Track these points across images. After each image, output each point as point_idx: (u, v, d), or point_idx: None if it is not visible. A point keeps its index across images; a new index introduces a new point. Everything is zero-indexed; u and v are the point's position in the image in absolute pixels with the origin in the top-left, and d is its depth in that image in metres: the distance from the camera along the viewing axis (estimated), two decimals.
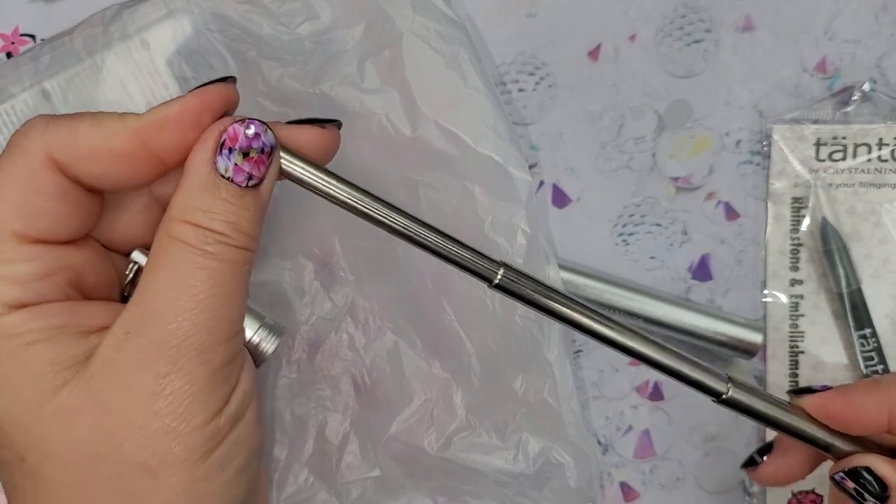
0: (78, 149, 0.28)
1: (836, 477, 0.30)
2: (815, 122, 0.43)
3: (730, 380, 0.31)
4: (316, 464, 0.42)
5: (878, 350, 0.42)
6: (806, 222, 0.43)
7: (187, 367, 0.27)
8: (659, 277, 0.44)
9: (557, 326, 0.41)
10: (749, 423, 0.44)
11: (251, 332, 0.32)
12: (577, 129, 0.44)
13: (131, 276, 0.31)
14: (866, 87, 0.42)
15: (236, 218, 0.28)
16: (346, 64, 0.40)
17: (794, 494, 0.43)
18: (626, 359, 0.44)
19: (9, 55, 0.42)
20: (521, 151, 0.41)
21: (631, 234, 0.44)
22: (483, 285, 0.31)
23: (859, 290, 0.42)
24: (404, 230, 0.30)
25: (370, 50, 0.40)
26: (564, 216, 0.44)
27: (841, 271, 0.42)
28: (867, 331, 0.42)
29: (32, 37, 0.43)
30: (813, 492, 0.43)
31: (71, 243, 0.29)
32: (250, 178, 0.28)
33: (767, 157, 0.43)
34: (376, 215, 0.30)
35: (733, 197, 0.44)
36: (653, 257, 0.44)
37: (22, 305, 0.28)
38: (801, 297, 0.43)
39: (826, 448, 0.31)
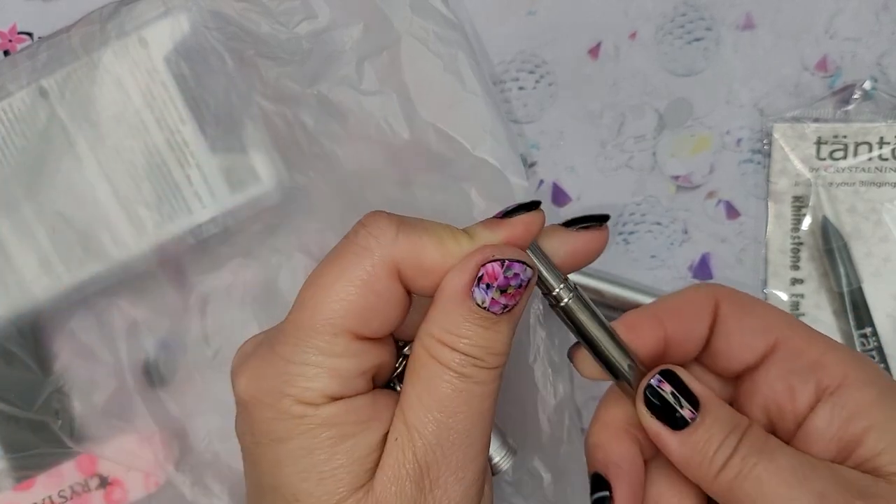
0: (422, 265, 0.28)
1: (653, 382, 0.30)
2: (816, 120, 0.43)
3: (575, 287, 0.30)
4: None
5: (879, 349, 0.42)
6: (807, 221, 0.43)
7: (446, 485, 0.28)
8: (659, 276, 0.44)
9: (542, 333, 0.41)
10: None
11: (492, 448, 0.33)
12: (577, 127, 0.44)
13: (401, 368, 0.31)
14: (867, 85, 0.42)
15: (490, 343, 0.28)
16: (345, 64, 0.40)
17: None
18: None
19: (6, 53, 0.42)
20: (518, 155, 0.41)
21: (631, 232, 0.44)
22: None
23: (860, 288, 0.42)
24: None
25: (368, 51, 0.40)
26: (564, 215, 0.44)
27: (842, 270, 0.42)
28: (868, 329, 0.42)
29: (30, 35, 0.42)
30: None
31: (384, 339, 0.30)
32: (506, 307, 0.28)
33: (768, 155, 0.43)
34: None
35: (734, 196, 0.44)
36: (653, 256, 0.44)
37: (339, 398, 0.28)
38: (802, 295, 0.43)
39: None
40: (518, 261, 0.28)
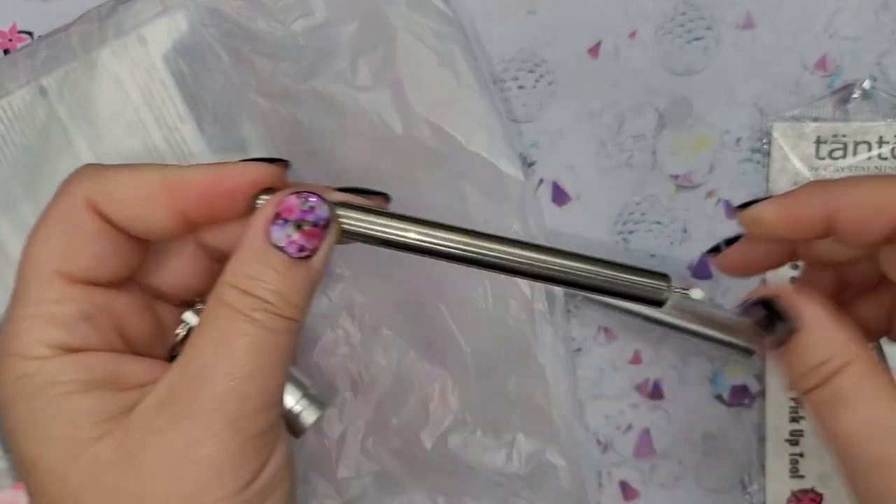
0: (112, 193, 0.28)
1: (749, 303, 0.29)
2: (816, 119, 0.43)
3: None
4: (315, 459, 0.42)
5: (879, 348, 0.42)
6: None
7: (220, 434, 0.27)
8: None
9: (550, 329, 0.41)
10: (750, 421, 0.43)
11: (293, 400, 0.32)
12: (577, 126, 0.43)
13: (182, 335, 0.31)
14: (867, 84, 0.42)
15: (284, 288, 0.28)
16: (339, 61, 0.40)
17: (793, 493, 0.43)
18: (626, 357, 0.44)
19: (6, 52, 0.42)
20: (514, 151, 0.41)
21: (631, 232, 0.44)
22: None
23: None
24: (527, 265, 0.28)
25: (364, 47, 0.40)
26: (564, 214, 0.44)
27: None
28: None
29: (29, 34, 0.42)
30: (812, 490, 0.43)
31: (113, 287, 0.30)
32: (302, 249, 0.28)
33: (767, 154, 0.43)
34: (480, 255, 0.29)
35: (734, 195, 0.44)
36: (653, 255, 0.44)
37: (67, 349, 0.28)
38: None
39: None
40: (316, 195, 0.28)
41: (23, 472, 0.28)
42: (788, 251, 0.32)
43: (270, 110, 0.39)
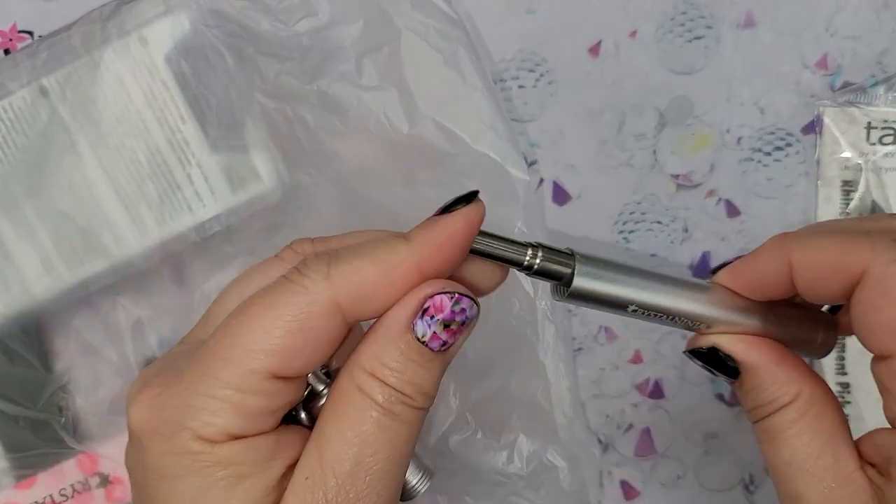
0: (363, 293, 0.27)
1: (685, 353, 0.29)
2: (866, 105, 0.43)
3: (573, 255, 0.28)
4: None
5: None
6: (855, 205, 0.43)
7: None
8: None
9: (552, 328, 0.41)
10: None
11: (409, 471, 0.32)
12: (577, 126, 0.43)
13: (305, 396, 0.30)
14: None
15: (422, 381, 0.27)
16: (344, 61, 0.40)
17: None
18: (626, 357, 0.44)
19: (7, 52, 0.42)
20: (518, 150, 0.41)
21: (632, 231, 0.44)
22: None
23: None
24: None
25: (368, 47, 0.40)
26: (565, 213, 0.44)
27: None
28: None
29: (30, 33, 0.42)
30: None
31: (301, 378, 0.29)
32: (444, 344, 0.27)
33: (819, 135, 0.43)
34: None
35: (734, 194, 0.44)
36: (653, 255, 0.44)
37: (241, 436, 0.27)
38: None
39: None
40: (467, 296, 0.27)
41: None
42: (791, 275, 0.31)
43: (276, 110, 0.39)
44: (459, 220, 0.27)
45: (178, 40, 0.39)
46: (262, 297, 0.27)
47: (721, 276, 0.30)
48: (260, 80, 0.39)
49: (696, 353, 0.29)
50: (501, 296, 0.41)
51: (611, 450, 0.44)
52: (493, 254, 0.28)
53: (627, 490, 0.45)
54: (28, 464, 0.42)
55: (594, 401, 0.44)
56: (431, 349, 0.27)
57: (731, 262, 0.30)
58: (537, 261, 0.28)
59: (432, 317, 0.27)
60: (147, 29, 0.39)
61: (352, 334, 0.29)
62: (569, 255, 0.28)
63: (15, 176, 0.40)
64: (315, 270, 0.27)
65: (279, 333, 0.26)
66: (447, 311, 0.27)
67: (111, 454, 0.43)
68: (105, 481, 0.43)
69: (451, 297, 0.27)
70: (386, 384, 0.27)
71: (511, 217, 0.40)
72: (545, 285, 0.42)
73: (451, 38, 0.40)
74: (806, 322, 0.30)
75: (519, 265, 0.28)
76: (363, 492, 0.26)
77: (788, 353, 0.29)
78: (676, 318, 0.29)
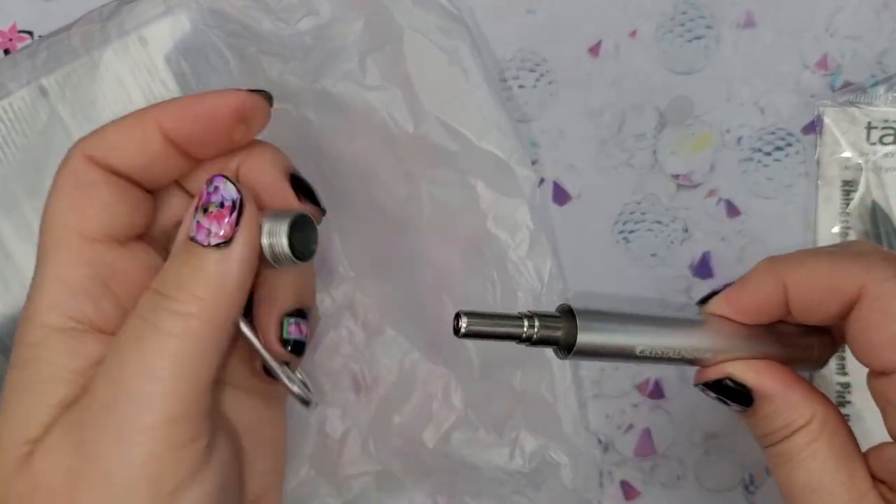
0: (104, 140, 0.29)
1: (698, 387, 0.29)
2: (867, 105, 0.43)
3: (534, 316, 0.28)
4: (317, 458, 0.42)
5: None
6: (855, 205, 0.43)
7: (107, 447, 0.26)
8: (660, 275, 0.44)
9: None
10: None
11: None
12: (577, 125, 0.43)
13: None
14: None
15: (183, 279, 0.27)
16: (347, 60, 0.39)
17: None
18: None
19: (6, 52, 0.42)
20: (523, 147, 0.41)
21: (632, 231, 0.44)
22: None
23: None
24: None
25: (371, 45, 0.40)
26: (565, 213, 0.44)
27: None
28: None
29: (30, 33, 0.42)
30: None
31: (127, 245, 0.29)
32: (209, 233, 0.26)
33: (820, 135, 0.43)
34: None
35: (734, 194, 0.44)
36: (653, 255, 0.44)
37: (79, 320, 0.28)
38: None
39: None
40: (223, 176, 0.27)
41: None
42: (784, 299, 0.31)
43: (280, 110, 0.39)
44: (208, 94, 0.29)
45: (178, 40, 0.39)
46: (49, 188, 0.30)
47: (714, 305, 0.30)
48: (262, 80, 0.39)
49: (708, 386, 0.29)
50: (507, 290, 0.41)
51: (611, 450, 0.44)
52: (489, 334, 0.27)
53: (627, 490, 0.45)
54: None
55: (594, 401, 0.44)
56: (199, 243, 0.26)
57: (721, 291, 0.30)
58: (535, 331, 0.27)
59: (196, 207, 0.27)
60: (147, 29, 0.39)
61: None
62: (563, 318, 0.28)
63: (15, 176, 0.40)
64: (76, 141, 0.30)
65: (63, 196, 0.29)
66: (203, 195, 0.27)
67: None
68: None
69: (208, 182, 0.27)
70: (157, 292, 0.27)
71: (517, 213, 0.40)
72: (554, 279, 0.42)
73: (453, 36, 0.40)
74: (801, 338, 0.31)
75: (517, 338, 0.28)
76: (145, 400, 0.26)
77: (796, 374, 0.29)
78: (683, 355, 0.29)
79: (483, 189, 0.40)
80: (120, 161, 0.29)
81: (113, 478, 0.26)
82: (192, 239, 0.27)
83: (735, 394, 0.29)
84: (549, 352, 0.41)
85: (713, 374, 0.29)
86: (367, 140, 0.40)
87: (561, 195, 0.44)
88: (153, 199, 0.30)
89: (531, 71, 0.43)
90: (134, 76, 0.39)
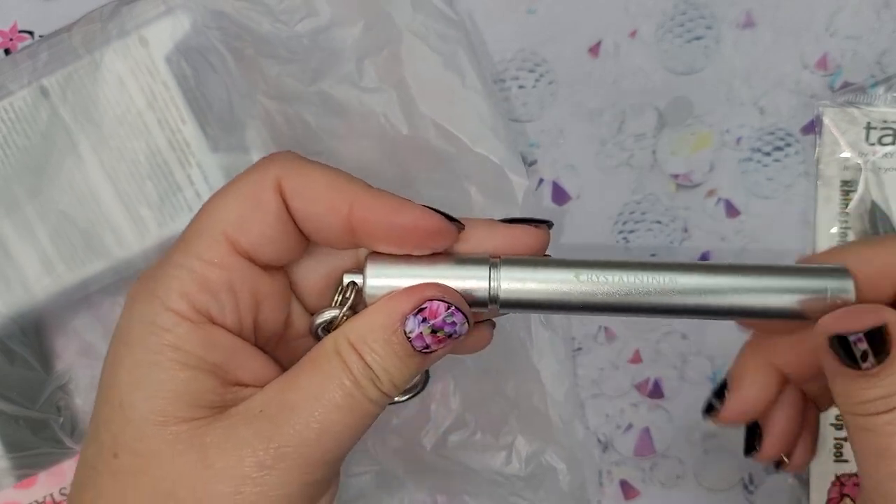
0: (303, 185, 0.29)
1: (851, 338, 0.27)
2: (866, 105, 0.43)
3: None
4: None
5: None
6: (854, 205, 0.43)
7: (289, 472, 0.27)
8: None
9: (546, 332, 0.41)
10: None
11: None
12: (577, 125, 0.44)
13: (342, 291, 0.31)
14: None
15: (395, 371, 0.28)
16: (345, 62, 0.40)
17: (837, 477, 0.43)
18: (626, 357, 0.44)
19: (7, 52, 0.42)
20: (517, 153, 0.41)
21: (631, 231, 0.44)
22: None
23: None
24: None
25: (369, 48, 0.40)
26: (564, 213, 0.44)
27: None
28: None
29: (31, 33, 0.42)
30: (857, 474, 0.43)
31: (266, 272, 0.30)
32: (426, 348, 0.28)
33: (819, 135, 0.43)
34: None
35: (734, 194, 0.44)
36: (653, 255, 0.44)
37: (204, 315, 0.28)
38: None
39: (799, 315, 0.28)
40: (463, 312, 0.29)
41: (100, 401, 0.28)
42: (780, 379, 0.33)
43: (277, 112, 0.39)
44: (420, 212, 0.29)
45: (178, 41, 0.39)
46: (229, 182, 0.29)
47: (722, 416, 0.33)
48: (261, 82, 0.39)
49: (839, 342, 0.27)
50: None
51: (610, 449, 0.44)
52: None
53: (627, 490, 0.45)
54: (28, 463, 0.42)
55: (594, 400, 0.44)
56: (413, 347, 0.28)
57: (721, 394, 0.33)
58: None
59: (424, 319, 0.28)
60: (147, 29, 0.39)
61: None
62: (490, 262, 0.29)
63: (16, 176, 0.40)
64: (276, 155, 0.29)
65: (236, 202, 0.29)
66: (440, 318, 0.28)
67: None
68: None
69: (448, 308, 0.28)
70: (363, 360, 0.28)
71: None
72: None
73: (451, 40, 0.40)
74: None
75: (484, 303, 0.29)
76: (312, 444, 0.28)
77: None
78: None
79: (476, 193, 0.40)
80: (305, 214, 0.29)
81: (244, 482, 0.27)
82: (409, 338, 0.28)
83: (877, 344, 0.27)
84: (535, 360, 0.41)
85: (868, 319, 0.27)
86: (364, 142, 0.40)
87: (561, 195, 0.44)
88: (307, 243, 0.31)
89: (531, 71, 0.43)
90: (135, 77, 0.39)
